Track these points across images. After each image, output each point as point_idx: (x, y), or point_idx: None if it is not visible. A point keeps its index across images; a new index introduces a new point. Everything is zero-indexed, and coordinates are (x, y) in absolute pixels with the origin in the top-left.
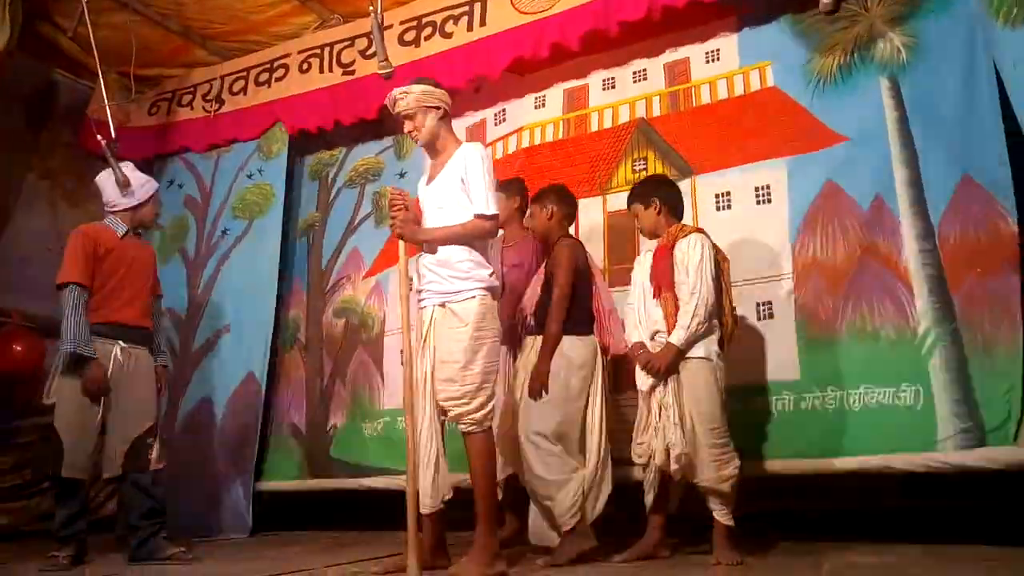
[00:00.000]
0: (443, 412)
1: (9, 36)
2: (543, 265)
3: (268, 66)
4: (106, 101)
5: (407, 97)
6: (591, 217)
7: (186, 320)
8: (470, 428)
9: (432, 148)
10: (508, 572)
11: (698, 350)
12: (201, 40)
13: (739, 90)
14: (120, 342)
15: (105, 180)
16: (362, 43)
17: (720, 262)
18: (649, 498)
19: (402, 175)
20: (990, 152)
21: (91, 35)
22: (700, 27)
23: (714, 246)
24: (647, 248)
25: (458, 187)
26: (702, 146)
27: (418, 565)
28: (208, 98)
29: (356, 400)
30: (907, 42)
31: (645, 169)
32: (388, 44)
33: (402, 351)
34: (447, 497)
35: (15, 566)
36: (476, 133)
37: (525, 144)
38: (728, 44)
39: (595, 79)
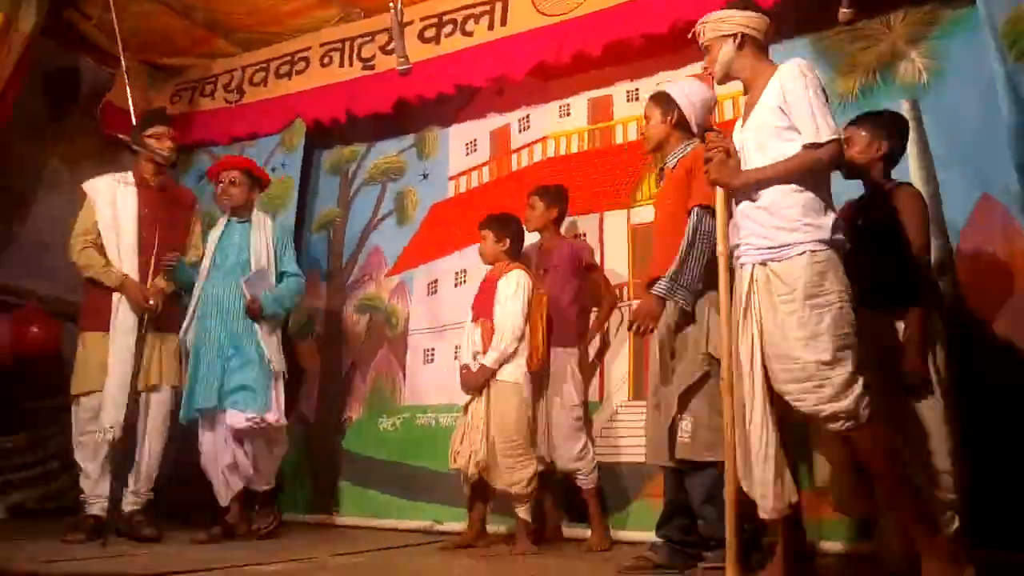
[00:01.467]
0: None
1: (35, 21)
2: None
3: (289, 59)
4: (128, 87)
5: (703, 29)
6: (615, 230)
7: None
8: (839, 425)
9: (741, 82)
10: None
11: (506, 373)
12: (224, 31)
13: None
14: None
15: None
16: (382, 38)
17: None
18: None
19: (425, 176)
20: (1009, 171)
21: (115, 22)
22: None
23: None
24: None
25: (777, 119)
26: None
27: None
28: (229, 88)
29: (376, 395)
30: (928, 64)
31: None
32: (408, 40)
33: (427, 350)
34: (793, 500)
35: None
36: (500, 138)
37: (551, 153)
38: None
39: (619, 90)
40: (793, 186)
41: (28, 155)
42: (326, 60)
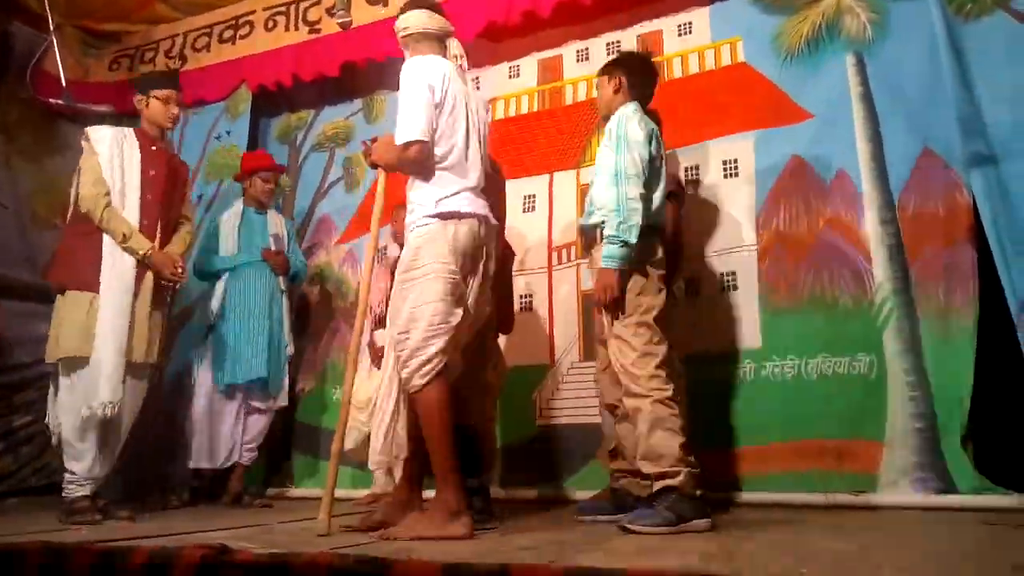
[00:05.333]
0: None
1: None
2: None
3: (233, 23)
4: (57, 52)
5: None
6: (565, 191)
7: None
8: (406, 385)
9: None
10: (472, 533)
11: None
12: None
13: (710, 64)
14: None
15: None
16: (329, 1)
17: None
18: None
19: (373, 140)
20: (950, 125)
21: None
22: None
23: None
24: None
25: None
26: (674, 120)
27: (328, 519)
28: (171, 55)
29: (329, 366)
30: (873, 18)
31: None
32: (355, 3)
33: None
34: (400, 456)
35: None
36: None
37: (500, 115)
38: (700, 17)
39: (569, 50)
40: (410, 175)
41: None
42: (270, 24)
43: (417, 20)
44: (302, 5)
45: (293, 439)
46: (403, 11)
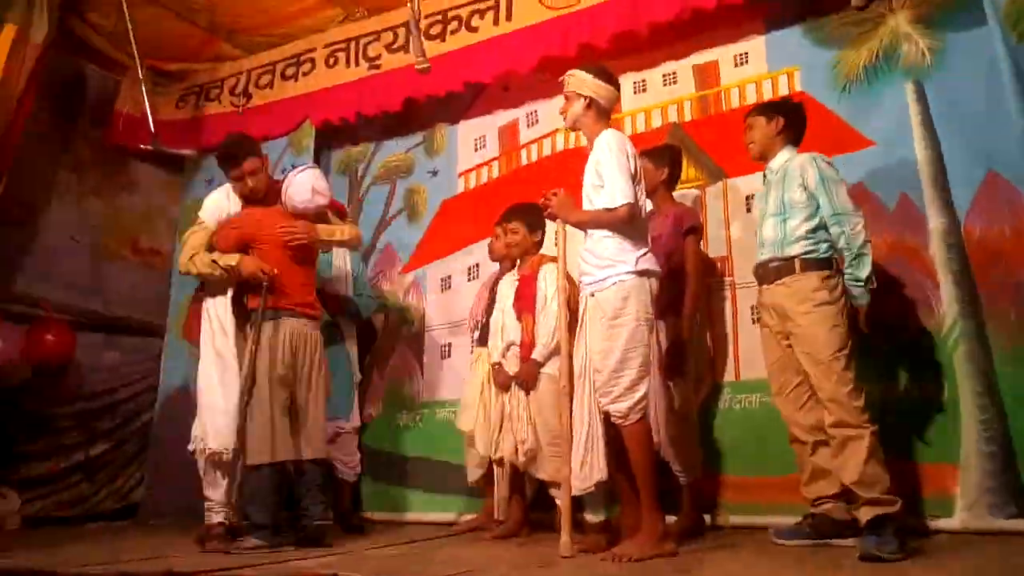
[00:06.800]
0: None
1: (46, 32)
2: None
3: (294, 60)
4: (146, 96)
5: (568, 80)
6: None
7: None
8: (617, 420)
9: (582, 133)
10: (678, 551)
11: (549, 366)
12: (226, 34)
13: (767, 94)
14: None
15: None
16: (388, 37)
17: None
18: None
19: (434, 173)
20: (1014, 148)
21: (129, 29)
22: (728, 30)
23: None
24: (512, 276)
25: (595, 177)
26: (733, 150)
27: (571, 542)
28: (235, 92)
29: (393, 392)
30: (932, 45)
31: None
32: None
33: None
34: (601, 479)
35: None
36: (508, 134)
37: (560, 147)
38: (756, 47)
39: (626, 81)
40: (606, 232)
41: (37, 164)
42: (331, 61)
43: (607, 95)
44: (361, 41)
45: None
46: (595, 75)
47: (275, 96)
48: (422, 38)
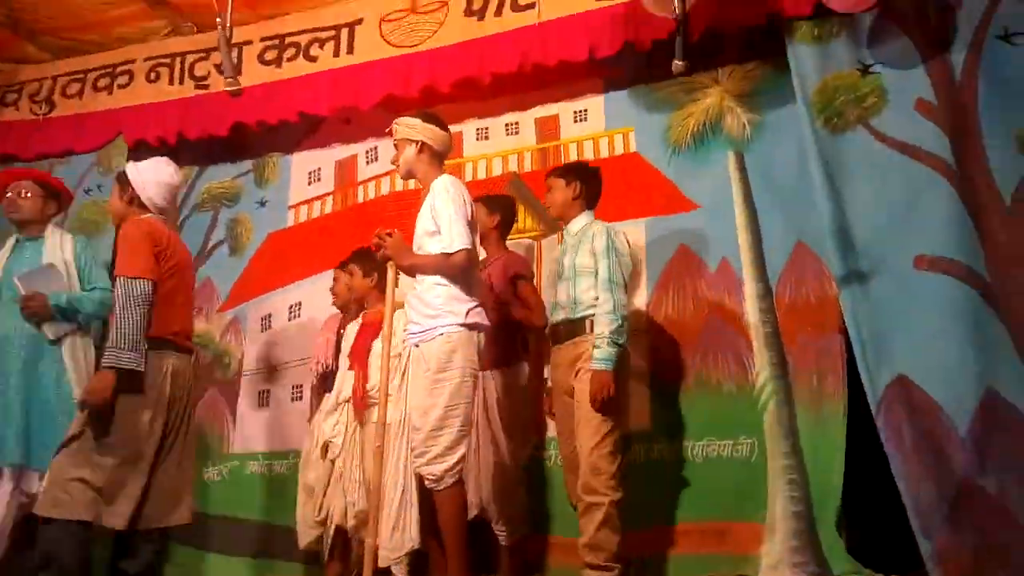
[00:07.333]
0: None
1: None
2: None
3: (110, 71)
4: None
5: (396, 128)
6: None
7: None
8: (430, 484)
9: (416, 180)
10: None
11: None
12: (29, 34)
13: (604, 152)
14: None
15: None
16: (218, 57)
17: None
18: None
19: (263, 203)
20: (820, 222)
21: None
22: (569, 85)
23: None
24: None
25: (428, 223)
26: None
27: None
28: (37, 99)
29: (200, 442)
30: (751, 119)
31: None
32: (246, 62)
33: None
34: (412, 548)
35: None
36: (346, 168)
37: (399, 187)
38: (595, 105)
39: (469, 128)
40: (438, 279)
41: None
42: (152, 75)
43: (439, 138)
44: (188, 58)
45: None
46: (424, 120)
47: (84, 107)
48: (232, 56)
